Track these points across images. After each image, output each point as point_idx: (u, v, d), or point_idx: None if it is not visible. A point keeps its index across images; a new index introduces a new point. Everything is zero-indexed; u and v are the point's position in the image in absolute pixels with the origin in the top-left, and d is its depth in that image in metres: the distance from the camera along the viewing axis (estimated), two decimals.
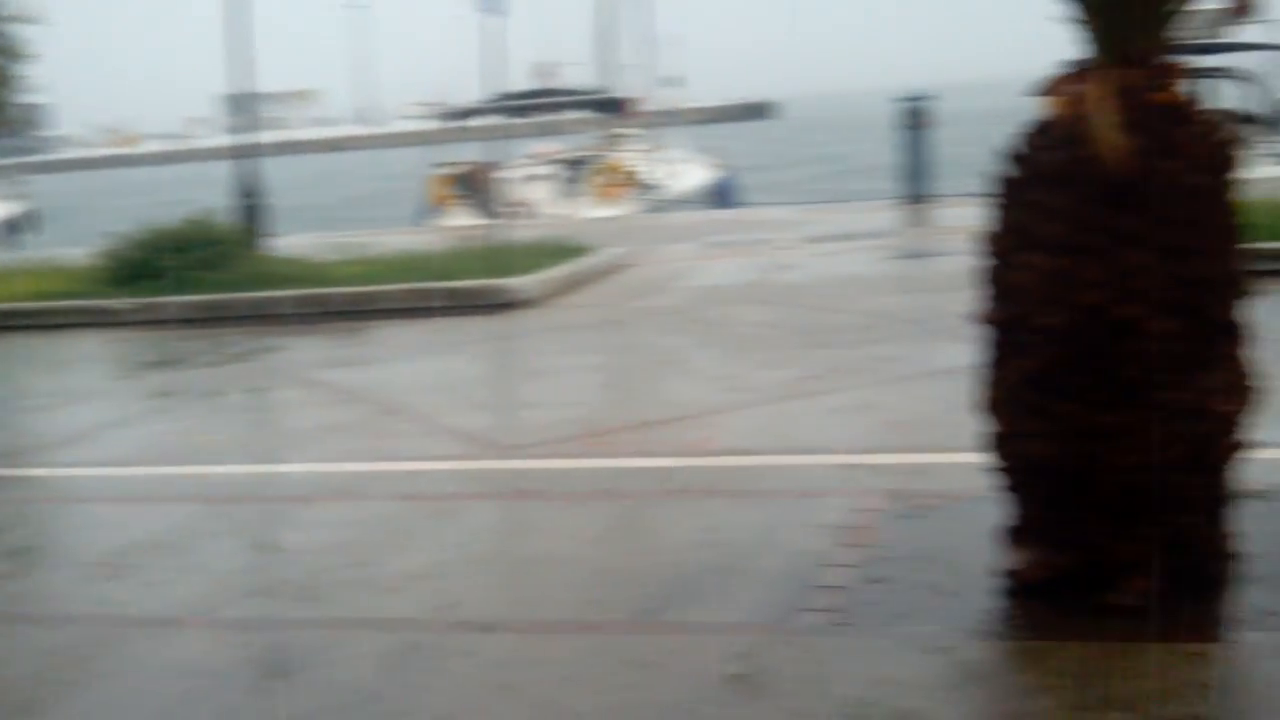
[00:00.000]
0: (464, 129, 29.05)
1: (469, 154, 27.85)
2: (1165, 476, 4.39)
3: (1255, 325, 4.57)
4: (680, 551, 5.46)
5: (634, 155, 29.95)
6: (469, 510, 6.34)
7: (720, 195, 30.98)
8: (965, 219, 4.78)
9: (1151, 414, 4.30)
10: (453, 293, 12.61)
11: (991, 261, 4.53)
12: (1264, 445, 4.82)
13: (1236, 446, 4.59)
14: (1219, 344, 4.41)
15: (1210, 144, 4.34)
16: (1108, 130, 4.09)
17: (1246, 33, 20.99)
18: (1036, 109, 4.49)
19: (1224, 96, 22.05)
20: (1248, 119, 21.70)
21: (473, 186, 26.94)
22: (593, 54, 37.32)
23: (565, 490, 6.51)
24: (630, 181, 28.66)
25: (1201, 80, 16.73)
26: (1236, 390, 4.49)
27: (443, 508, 6.32)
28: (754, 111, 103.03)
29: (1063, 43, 4.48)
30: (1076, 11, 4.40)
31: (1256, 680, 4.12)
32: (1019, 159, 4.46)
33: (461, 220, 24.26)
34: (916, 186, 17.99)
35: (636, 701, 4.12)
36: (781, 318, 10.79)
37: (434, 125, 36.78)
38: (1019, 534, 4.73)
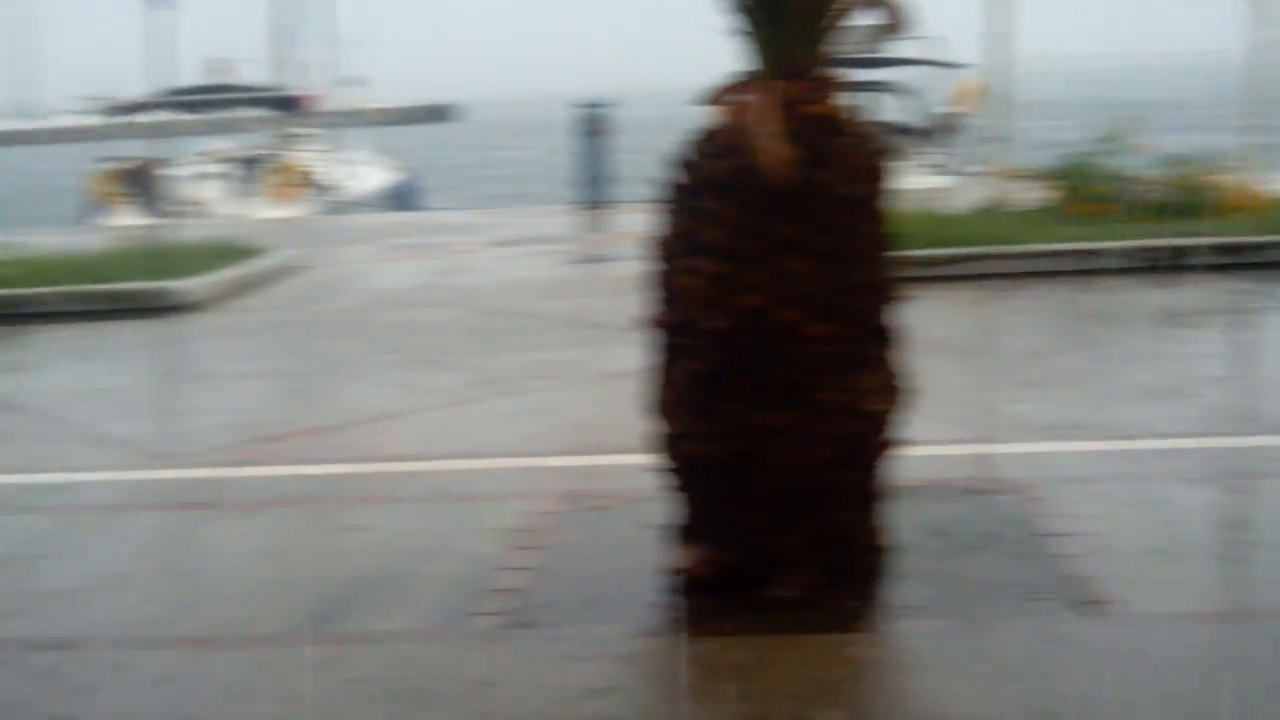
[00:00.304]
0: (131, 125, 27.92)
1: (137, 150, 26.79)
2: (822, 474, 4.57)
3: (905, 329, 4.81)
4: (352, 559, 5.38)
5: (311, 155, 29.41)
6: (131, 522, 6.09)
7: (400, 197, 30.73)
8: (641, 224, 4.86)
9: (809, 414, 4.48)
10: (115, 295, 12.06)
11: (660, 266, 4.63)
12: (914, 443, 5.07)
13: (888, 444, 4.82)
14: (872, 347, 4.62)
15: (864, 155, 4.53)
16: (768, 140, 4.23)
17: (904, 48, 22.06)
18: (704, 118, 4.61)
19: (882, 109, 23.12)
20: (904, 131, 22.82)
21: (140, 184, 25.95)
22: (269, 51, 36.45)
23: (233, 500, 6.32)
24: (307, 182, 28.13)
25: (861, 93, 17.65)
26: (888, 391, 4.71)
27: (102, 520, 6.05)
28: (437, 114, 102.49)
29: (733, 54, 4.61)
30: (740, 25, 4.53)
31: (905, 667, 4.33)
32: (685, 166, 4.57)
33: (127, 219, 23.32)
34: (595, 192, 18.26)
35: (301, 714, 4.05)
36: (461, 321, 10.76)
37: (99, 120, 35.25)
38: (686, 532, 4.85)
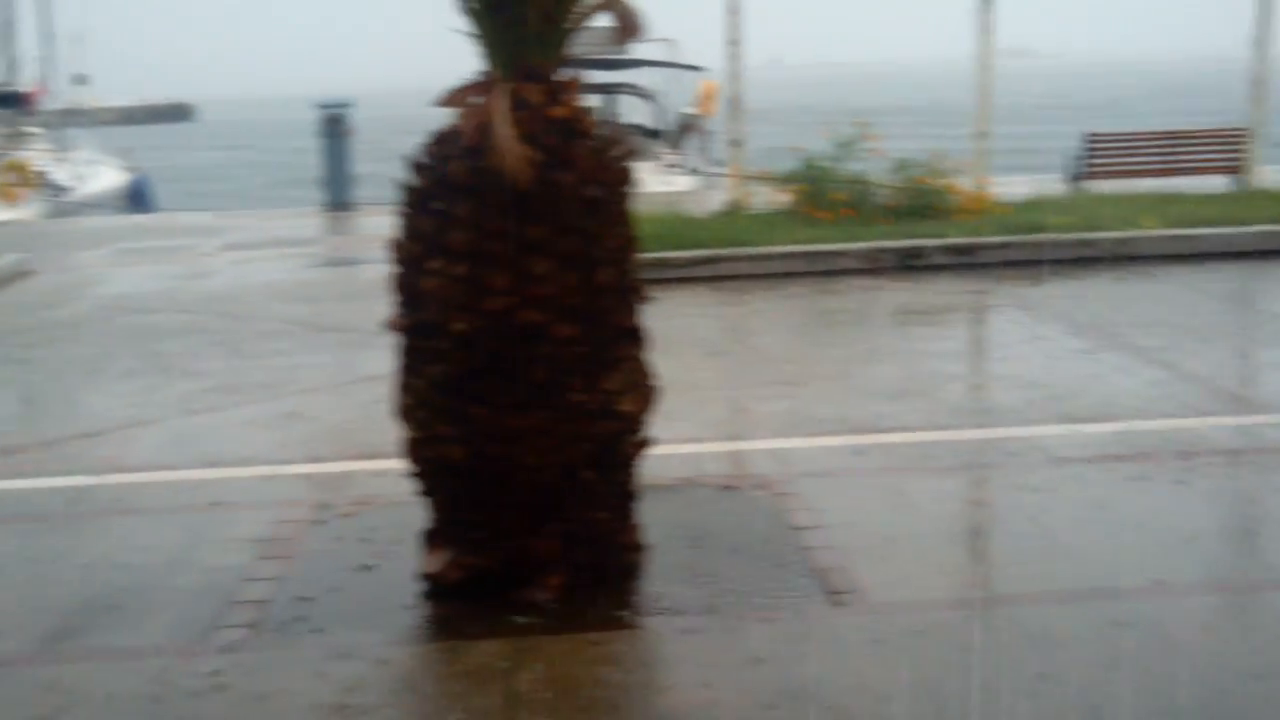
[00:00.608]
0: None
1: None
2: (575, 474, 4.58)
3: (653, 330, 4.85)
4: (93, 574, 5.16)
5: (36, 154, 28.17)
6: None
7: (133, 199, 29.68)
8: (387, 227, 4.78)
9: (560, 415, 4.48)
10: None
11: (402, 269, 4.56)
12: (666, 442, 5.12)
13: (640, 444, 4.86)
14: (620, 348, 4.65)
15: (606, 157, 4.55)
16: (507, 142, 4.20)
17: (648, 51, 22.29)
18: (446, 119, 4.56)
19: (624, 111, 23.33)
20: (647, 133, 23.04)
21: None
22: None
23: None
24: (31, 182, 26.92)
25: (604, 95, 17.66)
26: (638, 391, 4.75)
27: None
28: (174, 113, 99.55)
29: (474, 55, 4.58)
30: (476, 27, 4.50)
31: (657, 663, 4.37)
32: (425, 168, 4.51)
33: None
34: (339, 194, 17.94)
35: None
36: (201, 326, 10.43)
37: None
38: (437, 537, 4.80)
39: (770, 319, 10.51)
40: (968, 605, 4.69)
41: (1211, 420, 6.96)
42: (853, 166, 13.75)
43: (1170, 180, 15.63)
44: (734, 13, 14.49)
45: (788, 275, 11.69)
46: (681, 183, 20.58)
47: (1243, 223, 12.67)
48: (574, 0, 4.46)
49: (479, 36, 4.48)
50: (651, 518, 5.12)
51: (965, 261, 11.94)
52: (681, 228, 12.58)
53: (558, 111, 4.40)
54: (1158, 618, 4.49)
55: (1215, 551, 5.16)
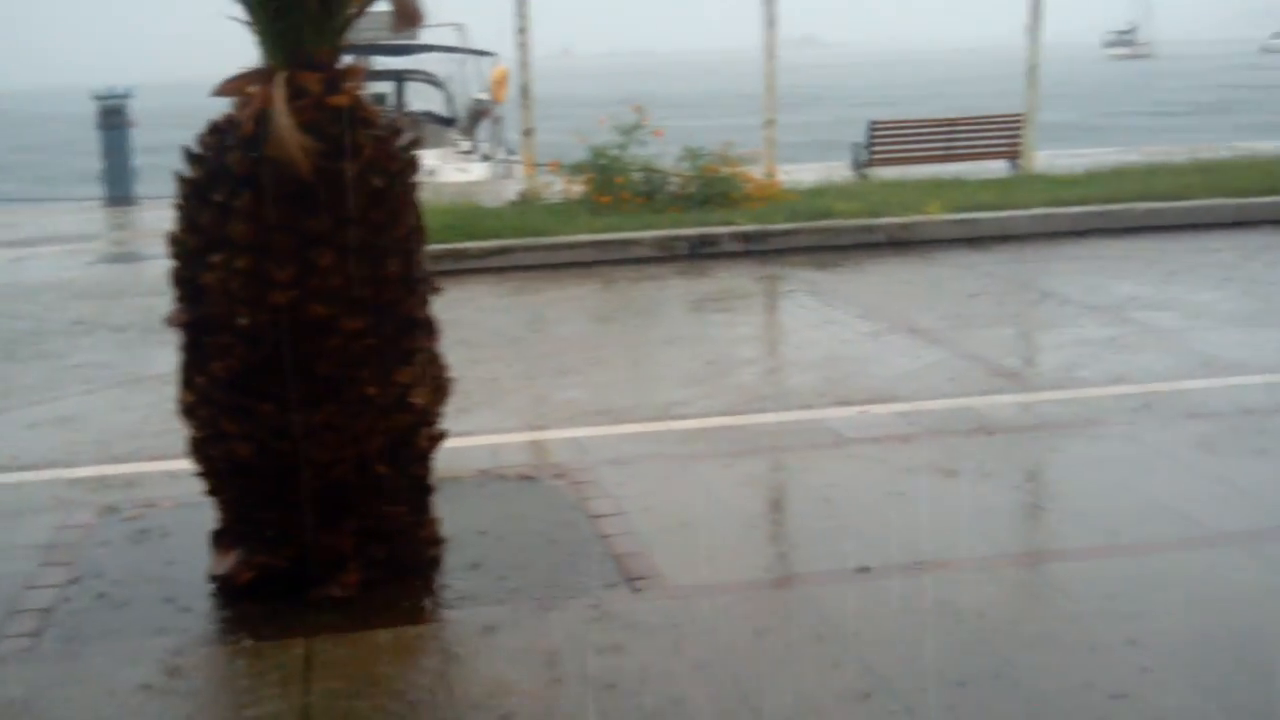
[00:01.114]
0: None
1: None
2: (369, 469, 4.51)
3: (447, 321, 4.80)
4: None
5: None
6: None
7: None
8: (169, 220, 4.63)
9: (352, 409, 4.40)
10: None
11: (181, 263, 4.43)
12: (462, 433, 5.07)
13: (435, 437, 4.81)
14: (412, 339, 4.58)
15: (390, 146, 4.48)
16: (286, 132, 4.10)
17: (437, 37, 22.04)
18: (225, 110, 4.44)
19: (417, 99, 23.05)
20: (441, 120, 22.79)
21: None
22: None
23: None
24: None
25: (392, 82, 17.38)
26: (432, 383, 4.70)
27: None
28: None
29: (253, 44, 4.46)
30: (253, 15, 4.38)
31: (456, 656, 4.33)
32: (202, 159, 4.37)
33: None
34: (120, 187, 17.39)
35: None
36: None
37: None
38: (227, 537, 4.68)
39: (565, 308, 10.52)
40: (763, 586, 4.76)
41: (993, 398, 7.19)
42: (643, 155, 13.84)
43: (951, 166, 16.13)
44: (522, 1, 14.44)
45: (582, 264, 11.72)
46: (475, 171, 20.44)
47: (1020, 206, 13.13)
48: None
49: (255, 24, 4.37)
50: (449, 510, 5.07)
51: (756, 248, 12.13)
52: (475, 218, 12.51)
53: (338, 100, 4.31)
54: (946, 592, 4.61)
55: (1000, 526, 5.32)
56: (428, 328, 4.69)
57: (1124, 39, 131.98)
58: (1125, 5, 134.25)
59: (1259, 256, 11.38)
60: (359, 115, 4.38)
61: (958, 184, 14.59)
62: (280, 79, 4.24)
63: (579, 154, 13.97)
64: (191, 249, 4.37)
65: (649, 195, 13.38)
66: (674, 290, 10.87)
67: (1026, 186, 14.32)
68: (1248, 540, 5.05)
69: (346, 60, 4.47)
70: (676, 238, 12.15)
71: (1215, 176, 14.44)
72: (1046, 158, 16.90)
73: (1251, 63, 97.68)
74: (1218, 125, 35.22)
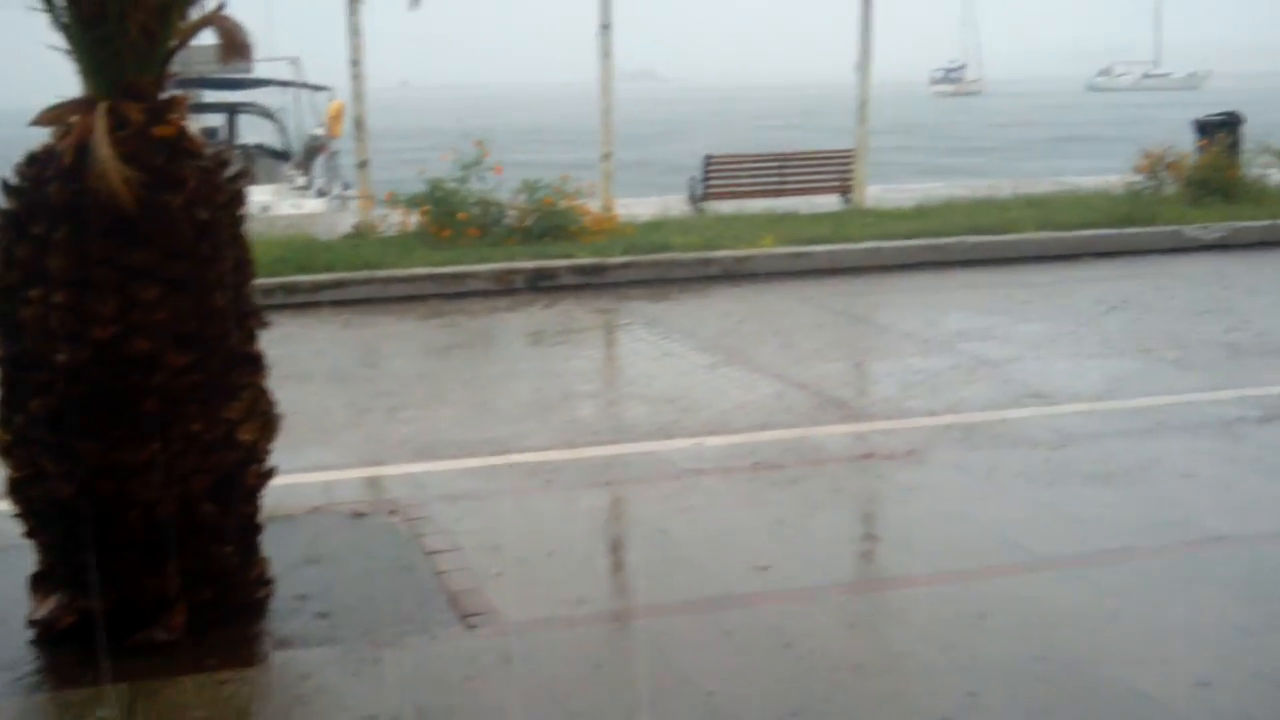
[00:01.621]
0: None
1: None
2: (194, 509, 4.40)
3: (278, 356, 4.71)
4: None
5: None
6: None
7: None
8: None
9: (176, 447, 4.29)
10: None
11: (1, 298, 4.28)
12: (294, 470, 4.98)
13: (263, 474, 4.71)
14: (239, 375, 4.49)
15: (216, 178, 4.39)
16: (107, 163, 3.99)
17: (272, 70, 21.74)
18: (44, 140, 4.31)
19: (251, 132, 22.70)
20: (274, 154, 22.47)
21: None
22: None
23: None
24: None
25: (217, 114, 17.02)
26: (260, 419, 4.60)
27: None
28: None
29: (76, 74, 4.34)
30: (73, 44, 4.26)
31: (286, 699, 4.23)
32: (20, 191, 4.24)
33: None
34: None
35: None
36: None
37: None
38: (48, 580, 4.52)
39: (401, 342, 10.42)
40: (600, 620, 4.75)
41: (826, 429, 7.29)
42: (480, 188, 13.79)
43: (785, 200, 16.37)
44: (356, 33, 14.32)
45: (418, 298, 11.62)
46: (310, 205, 20.16)
47: (851, 240, 13.37)
48: (175, 15, 4.27)
49: (76, 53, 4.25)
50: (279, 550, 4.97)
51: (594, 281, 12.16)
52: (309, 251, 12.32)
53: (162, 131, 4.22)
54: (781, 622, 4.65)
55: (833, 555, 5.39)
56: (256, 362, 4.60)
57: (951, 77, 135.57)
58: (954, 43, 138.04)
59: (1081, 289, 11.74)
60: (184, 146, 4.28)
61: (791, 218, 14.82)
62: (102, 109, 4.13)
63: (417, 187, 13.86)
64: (8, 284, 4.22)
65: (486, 228, 13.33)
66: (511, 324, 10.84)
67: (858, 220, 14.59)
68: (1073, 565, 5.18)
69: (171, 91, 4.37)
70: (514, 271, 12.12)
71: (1039, 211, 14.88)
72: (877, 192, 17.24)
73: (1078, 101, 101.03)
74: (1043, 160, 36.30)
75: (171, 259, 4.18)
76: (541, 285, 12.03)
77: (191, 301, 4.23)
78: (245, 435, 4.50)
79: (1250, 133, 17.03)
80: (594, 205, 14.31)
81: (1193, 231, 13.99)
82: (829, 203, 16.62)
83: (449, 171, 13.79)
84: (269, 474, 4.74)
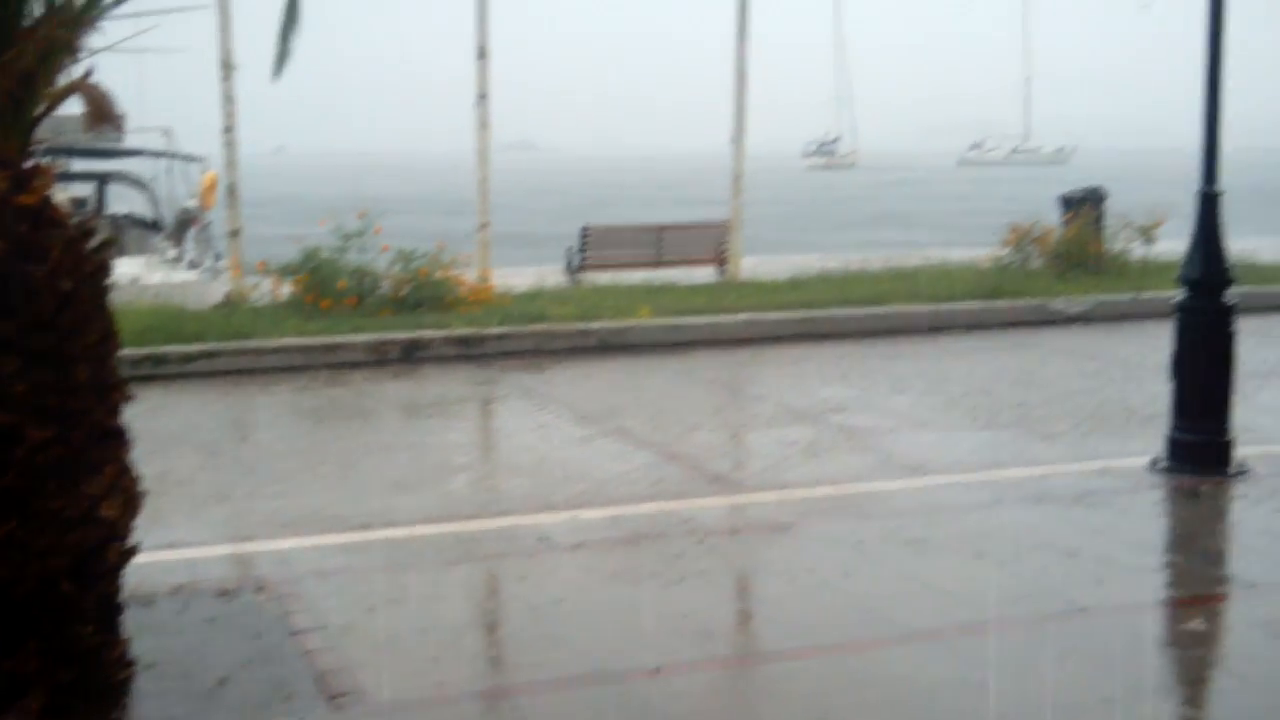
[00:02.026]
0: None
1: None
2: (53, 588, 4.26)
3: (145, 429, 4.61)
4: None
5: None
6: None
7: None
8: None
9: (35, 524, 4.16)
10: None
11: None
12: (160, 547, 4.86)
13: (126, 552, 4.59)
14: (101, 449, 4.38)
15: (81, 248, 4.30)
16: None
17: (145, 140, 21.40)
18: None
19: (121, 202, 22.33)
20: (145, 224, 22.10)
21: None
22: None
23: None
24: None
25: (92, 185, 16.70)
26: (122, 495, 4.49)
27: None
28: None
29: None
30: None
31: None
32: None
33: None
34: None
35: None
36: None
37: None
38: None
39: (272, 414, 10.28)
40: (470, 699, 4.69)
41: (700, 501, 7.30)
42: (356, 257, 13.68)
43: (662, 271, 16.49)
44: (229, 101, 14.19)
45: (291, 369, 11.48)
46: (181, 276, 19.81)
47: (727, 311, 13.49)
48: (41, 82, 4.20)
49: None
50: (142, 629, 4.85)
51: (470, 352, 12.11)
52: (178, 321, 12.11)
53: (25, 199, 4.13)
54: (653, 697, 4.63)
55: (706, 629, 5.38)
56: (119, 437, 4.49)
57: (824, 150, 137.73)
58: (829, 117, 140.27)
59: (951, 361, 11.95)
60: (48, 216, 4.20)
61: (669, 289, 14.92)
62: None
63: (291, 254, 13.72)
64: None
65: (361, 298, 13.22)
66: (386, 395, 10.75)
67: (734, 292, 14.74)
68: (941, 638, 5.23)
69: (37, 159, 4.29)
70: (388, 342, 12.03)
71: (910, 283, 15.15)
72: (753, 264, 17.42)
73: (949, 175, 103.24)
74: (913, 233, 36.98)
75: (33, 330, 4.08)
76: (417, 356, 11.96)
77: (53, 374, 4.13)
78: (107, 511, 4.38)
79: (1114, 207, 17.52)
80: (471, 275, 14.28)
81: (1058, 305, 14.34)
82: (706, 274, 16.77)
83: (324, 239, 13.68)
84: (131, 551, 4.61)
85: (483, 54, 15.10)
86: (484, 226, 15.09)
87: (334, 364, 11.61)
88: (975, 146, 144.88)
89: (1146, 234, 16.66)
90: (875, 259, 18.06)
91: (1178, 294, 7.77)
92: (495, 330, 12.43)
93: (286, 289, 13.51)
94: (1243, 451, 7.72)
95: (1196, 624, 5.53)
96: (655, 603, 5.62)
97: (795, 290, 14.84)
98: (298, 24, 5.25)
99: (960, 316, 13.96)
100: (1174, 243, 12.43)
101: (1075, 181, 20.53)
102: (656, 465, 8.15)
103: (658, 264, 16.76)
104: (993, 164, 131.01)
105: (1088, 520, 6.81)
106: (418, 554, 6.35)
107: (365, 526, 6.84)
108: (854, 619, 5.43)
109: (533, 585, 5.85)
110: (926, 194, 70.69)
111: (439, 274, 13.63)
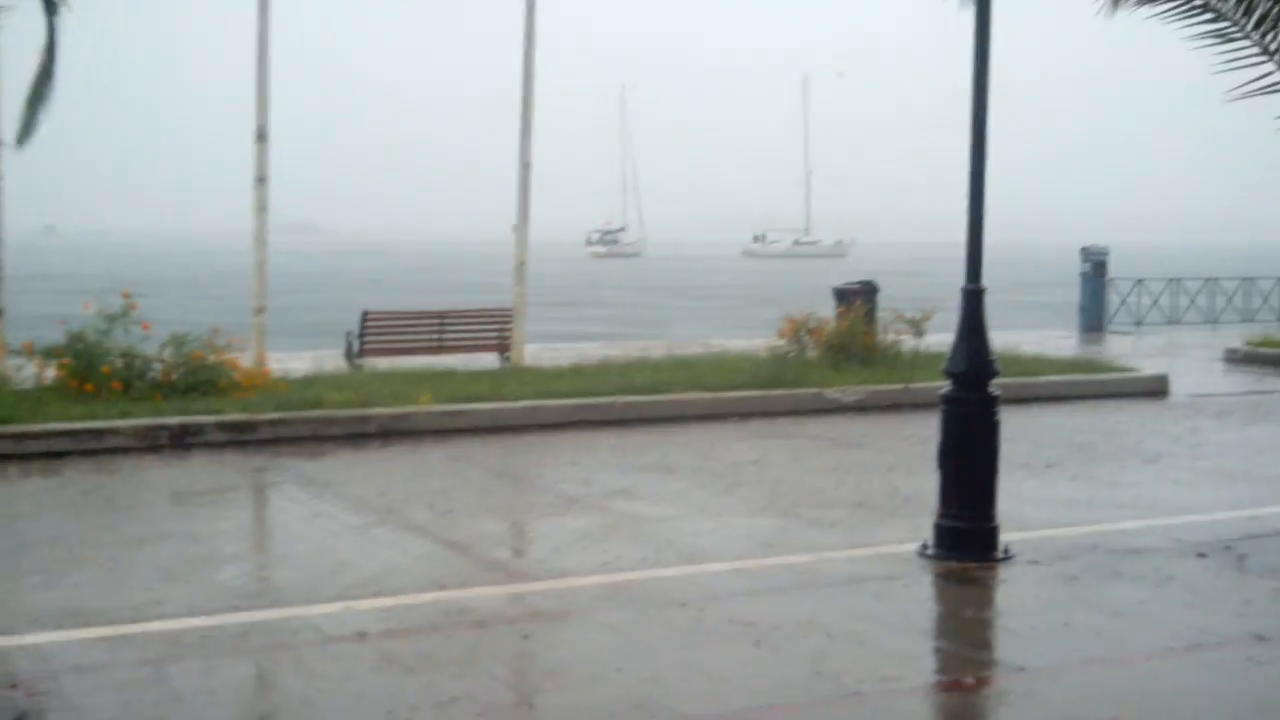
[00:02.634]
0: None
1: None
2: None
3: None
4: None
5: None
6: None
7: None
8: None
9: None
10: None
11: None
12: None
13: None
14: None
15: None
16: None
17: None
18: None
19: None
20: None
21: None
22: None
23: None
24: None
25: None
26: None
27: None
28: None
29: None
30: None
31: None
32: None
33: None
34: None
35: None
36: None
37: None
38: None
39: (34, 502, 9.87)
40: None
41: (479, 590, 7.24)
42: (125, 339, 13.26)
43: (444, 357, 16.40)
44: None
45: (55, 455, 11.05)
46: None
47: (509, 398, 13.47)
48: None
49: None
50: None
51: (244, 438, 11.84)
52: None
53: None
54: None
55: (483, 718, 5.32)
56: None
57: (606, 239, 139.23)
58: (615, 206, 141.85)
59: (729, 449, 12.12)
60: None
61: (450, 375, 14.84)
62: None
63: (56, 336, 13.23)
64: None
65: (129, 382, 12.80)
66: (155, 482, 10.42)
67: (516, 379, 14.73)
68: None
69: None
70: (158, 427, 11.67)
71: (690, 372, 15.35)
72: (536, 350, 17.47)
73: (733, 265, 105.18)
74: (695, 322, 37.54)
75: None
76: (188, 442, 11.63)
77: None
78: None
79: (890, 299, 18.09)
80: (247, 360, 13.98)
81: (833, 394, 14.70)
82: (488, 360, 16.74)
83: (91, 321, 13.22)
84: None
85: (262, 136, 14.91)
86: (260, 310, 14.82)
87: (101, 450, 11.21)
88: (758, 239, 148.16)
89: (916, 326, 17.22)
90: (656, 347, 18.28)
91: (945, 386, 8.05)
92: (270, 416, 12.18)
93: (51, 372, 13.00)
94: (1007, 537, 7.99)
95: (964, 705, 5.68)
96: (428, 693, 5.54)
97: (577, 377, 14.91)
98: (47, 98, 5.11)
99: (739, 405, 14.19)
100: (944, 335, 12.89)
101: (852, 273, 21.15)
102: (435, 554, 8.06)
103: (440, 349, 16.66)
104: (775, 256, 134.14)
105: (860, 605, 6.96)
106: (185, 647, 6.14)
107: (130, 619, 6.59)
108: (629, 708, 5.43)
109: (301, 679, 5.72)
110: (708, 283, 71.96)
111: (213, 358, 13.31)
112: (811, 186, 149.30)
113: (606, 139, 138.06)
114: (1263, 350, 20.86)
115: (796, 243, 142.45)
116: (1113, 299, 27.08)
